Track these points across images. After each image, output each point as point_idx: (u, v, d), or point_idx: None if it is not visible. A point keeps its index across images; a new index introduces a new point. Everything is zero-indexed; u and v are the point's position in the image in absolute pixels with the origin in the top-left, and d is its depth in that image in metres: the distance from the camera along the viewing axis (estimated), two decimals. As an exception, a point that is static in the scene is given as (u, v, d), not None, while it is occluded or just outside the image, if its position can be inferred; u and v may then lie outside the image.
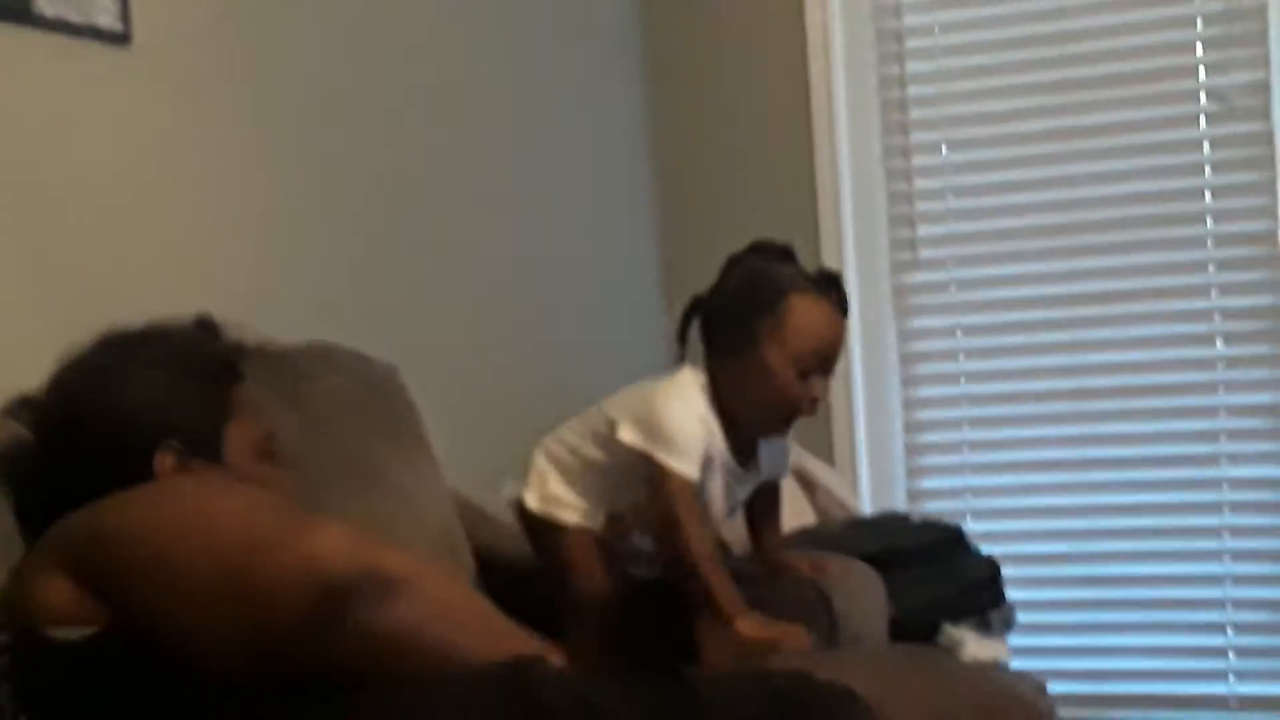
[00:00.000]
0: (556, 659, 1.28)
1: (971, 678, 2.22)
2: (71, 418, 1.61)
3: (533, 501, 2.15)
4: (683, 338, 2.15)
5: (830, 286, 2.08)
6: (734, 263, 2.15)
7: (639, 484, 2.04)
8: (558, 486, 2.14)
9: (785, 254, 2.12)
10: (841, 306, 2.08)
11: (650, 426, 2.03)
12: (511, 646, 1.29)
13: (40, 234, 2.04)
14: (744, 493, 2.18)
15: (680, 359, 2.13)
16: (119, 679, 1.35)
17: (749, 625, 1.96)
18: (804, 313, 2.03)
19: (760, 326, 2.03)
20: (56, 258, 2.07)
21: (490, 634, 1.30)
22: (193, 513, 1.37)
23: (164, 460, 1.59)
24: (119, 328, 1.67)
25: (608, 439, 2.08)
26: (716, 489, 2.08)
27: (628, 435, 2.03)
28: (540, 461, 2.18)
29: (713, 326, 2.11)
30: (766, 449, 2.17)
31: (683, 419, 2.03)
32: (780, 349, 2.02)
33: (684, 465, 2.00)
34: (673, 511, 1.99)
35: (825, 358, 2.05)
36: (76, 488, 1.47)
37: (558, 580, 2.11)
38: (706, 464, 2.04)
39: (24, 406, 1.71)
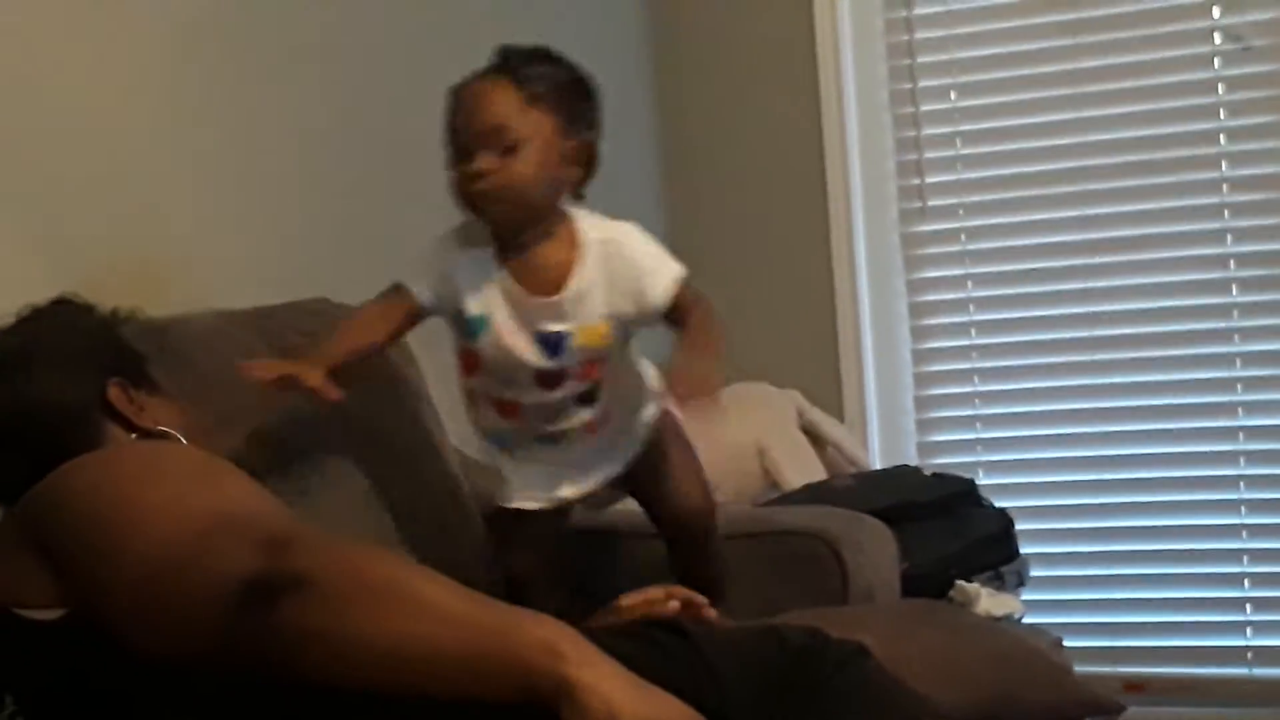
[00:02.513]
0: (550, 627, 1.21)
1: (985, 632, 2.20)
2: (4, 423, 1.59)
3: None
4: None
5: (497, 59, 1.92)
6: None
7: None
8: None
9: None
10: (500, 73, 1.90)
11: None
12: (488, 625, 1.22)
13: (23, 188, 2.01)
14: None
15: None
16: (90, 662, 1.32)
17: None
18: (450, 98, 1.92)
19: None
20: (41, 212, 2.03)
21: (455, 617, 1.20)
22: (125, 504, 1.33)
23: (116, 394, 1.59)
24: None
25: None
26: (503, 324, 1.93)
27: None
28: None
29: None
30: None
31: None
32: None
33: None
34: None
35: (463, 131, 1.88)
36: (30, 472, 1.44)
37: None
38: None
39: None
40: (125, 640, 1.28)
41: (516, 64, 1.88)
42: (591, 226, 1.95)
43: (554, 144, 1.87)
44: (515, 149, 1.84)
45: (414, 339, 2.36)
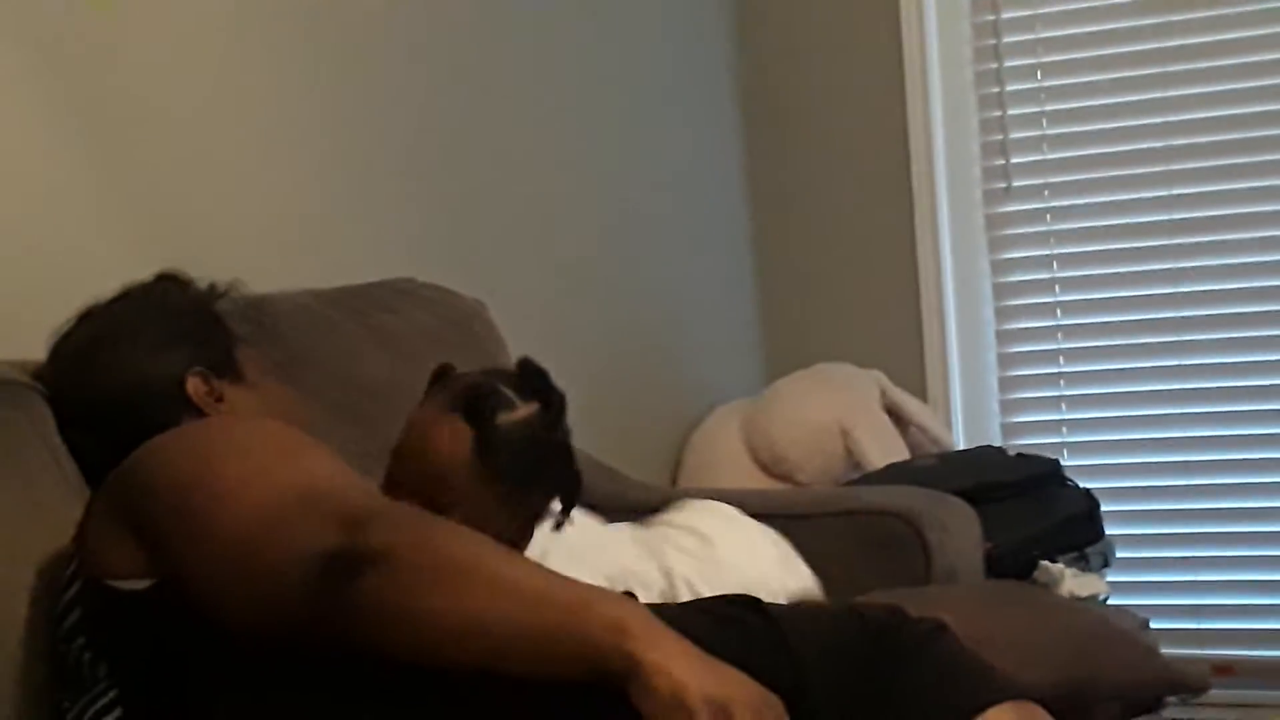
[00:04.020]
0: (621, 605, 1.22)
1: (1068, 612, 2.18)
2: (83, 392, 1.63)
3: None
4: None
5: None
6: None
7: None
8: None
9: None
10: None
11: None
12: (560, 602, 1.23)
13: (117, 161, 2.06)
14: None
15: None
16: (177, 632, 1.35)
17: None
18: None
19: None
20: (135, 188, 2.08)
21: (529, 595, 1.21)
22: (210, 479, 1.34)
23: (196, 385, 1.61)
24: (94, 302, 1.68)
25: None
26: None
27: None
28: None
29: None
30: None
31: None
32: None
33: None
34: None
35: None
36: (118, 449, 1.47)
37: None
38: None
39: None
40: (210, 612, 1.31)
41: (488, 420, 1.61)
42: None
43: (496, 514, 1.59)
44: (447, 510, 1.57)
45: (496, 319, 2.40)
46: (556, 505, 1.65)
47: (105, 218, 2.03)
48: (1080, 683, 1.83)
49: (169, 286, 1.71)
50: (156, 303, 1.68)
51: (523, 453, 1.59)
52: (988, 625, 1.69)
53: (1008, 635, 1.74)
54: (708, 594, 1.78)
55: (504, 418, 1.60)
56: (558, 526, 1.67)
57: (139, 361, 1.62)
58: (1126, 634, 2.06)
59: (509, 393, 1.63)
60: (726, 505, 2.21)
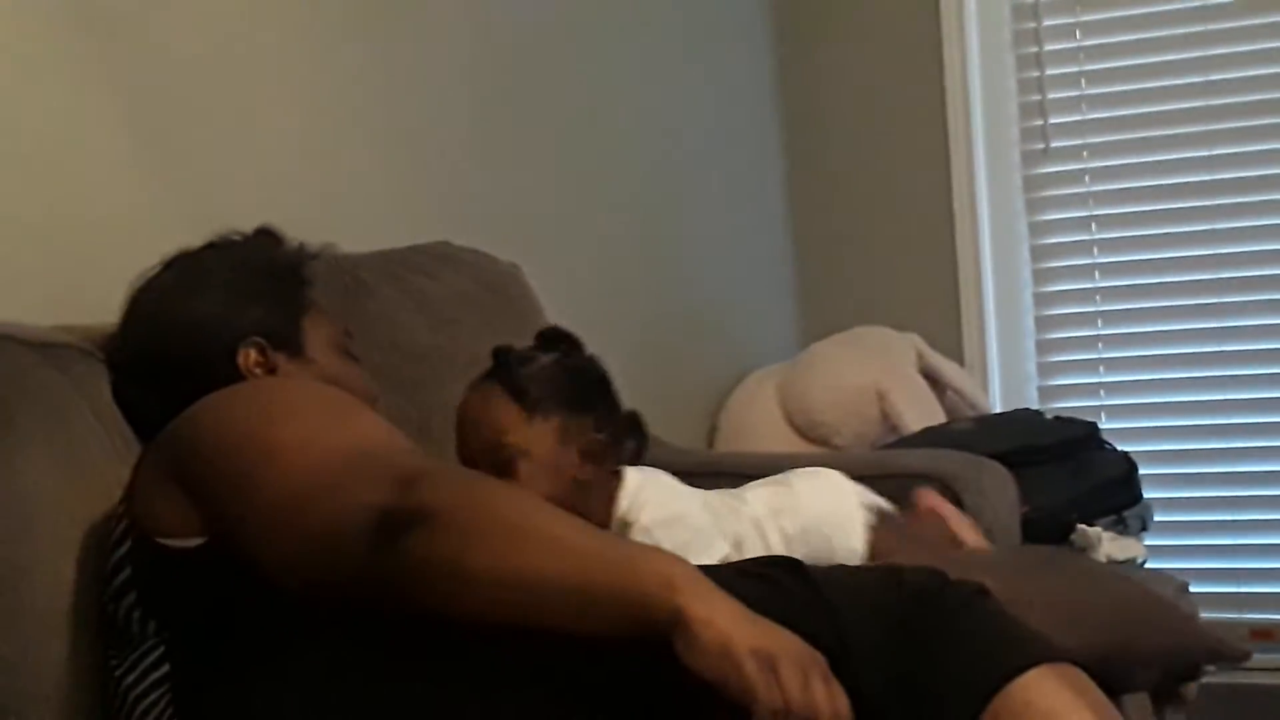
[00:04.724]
0: (667, 561, 1.23)
1: (1107, 578, 2.17)
2: (150, 340, 1.64)
3: None
4: None
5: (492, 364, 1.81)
6: None
7: None
8: None
9: None
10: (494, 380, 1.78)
11: None
12: (607, 558, 1.23)
13: (160, 131, 2.06)
14: None
15: None
16: (228, 590, 1.36)
17: None
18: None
19: None
20: (181, 165, 2.08)
21: (576, 552, 1.22)
22: (260, 440, 1.36)
23: (247, 356, 1.62)
24: (183, 249, 1.69)
25: None
26: None
27: None
28: None
29: None
30: None
31: None
32: None
33: None
34: None
35: (462, 449, 1.77)
36: (179, 400, 1.48)
37: None
38: None
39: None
40: (260, 570, 1.33)
41: (512, 368, 1.75)
42: (645, 510, 1.78)
43: (561, 451, 1.73)
44: (513, 465, 1.70)
45: (536, 290, 2.40)
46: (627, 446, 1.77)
47: (147, 182, 2.04)
48: (1119, 648, 1.82)
49: (260, 243, 1.72)
50: (238, 259, 1.69)
51: (552, 383, 1.72)
52: (1026, 589, 1.69)
53: (1046, 598, 1.73)
54: (790, 530, 1.83)
55: (527, 367, 1.73)
56: (636, 457, 1.78)
57: (203, 319, 1.63)
58: (1165, 600, 2.05)
59: (530, 351, 1.76)
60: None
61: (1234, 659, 2.00)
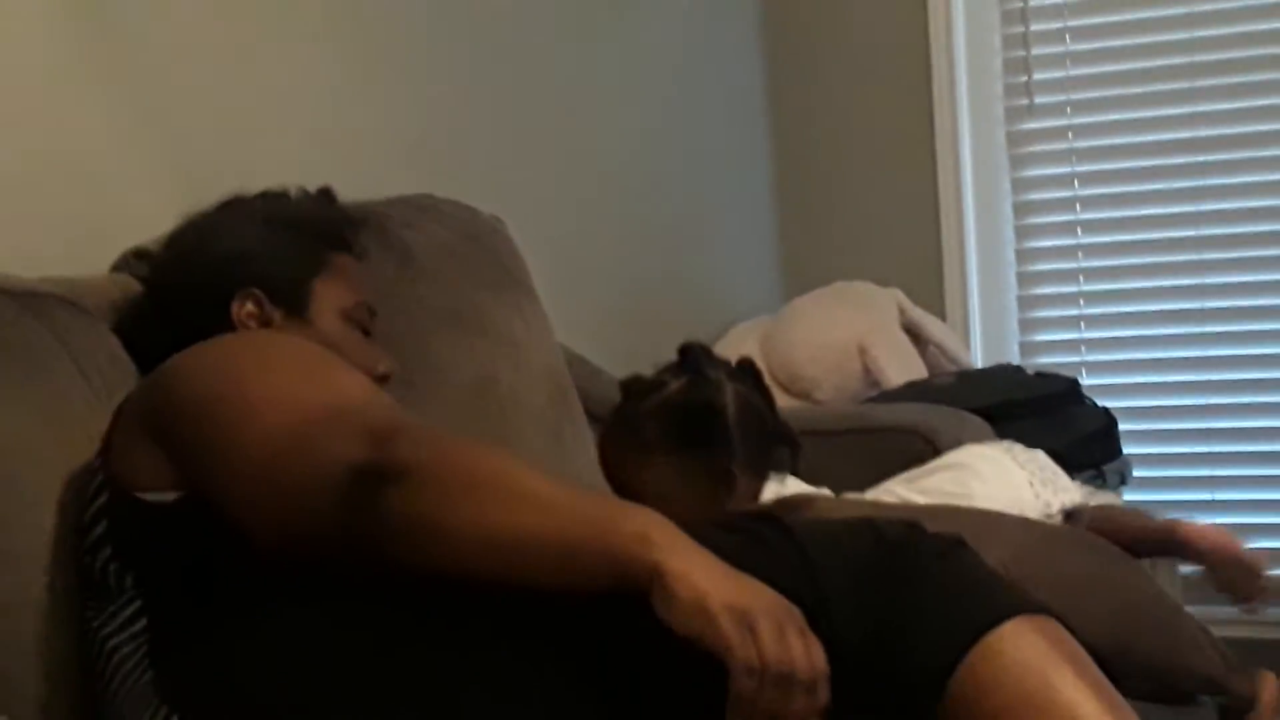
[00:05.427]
0: (644, 516, 1.23)
1: (1133, 574, 2.07)
2: (171, 264, 1.67)
3: None
4: None
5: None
6: None
7: None
8: None
9: None
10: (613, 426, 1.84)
11: None
12: (584, 514, 1.22)
13: (147, 95, 2.05)
14: None
15: None
16: (204, 545, 1.36)
17: None
18: None
19: None
20: (163, 117, 2.07)
21: (554, 508, 1.22)
22: (238, 394, 1.36)
23: (241, 306, 1.62)
24: (242, 192, 1.71)
25: None
26: None
27: None
28: None
29: None
30: None
31: None
32: None
33: None
34: None
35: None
36: (174, 335, 1.49)
37: None
38: None
39: (136, 257, 1.79)
40: (236, 525, 1.32)
41: (626, 413, 1.78)
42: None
43: (686, 482, 1.74)
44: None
45: (515, 237, 2.40)
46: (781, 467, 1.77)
47: (125, 133, 2.03)
48: (1114, 649, 1.70)
49: (309, 199, 1.73)
50: (276, 209, 1.70)
51: (669, 420, 1.73)
52: (1004, 541, 1.69)
53: (1023, 552, 1.73)
54: None
55: (648, 401, 1.75)
56: (790, 467, 1.79)
57: (217, 258, 1.65)
58: (1181, 617, 1.90)
59: (661, 377, 1.77)
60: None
61: (1235, 698, 1.84)
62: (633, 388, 1.79)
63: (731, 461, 1.73)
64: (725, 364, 1.80)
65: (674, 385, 1.76)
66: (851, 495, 1.99)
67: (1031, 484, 2.02)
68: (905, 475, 2.10)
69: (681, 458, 1.73)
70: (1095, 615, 1.63)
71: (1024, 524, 1.94)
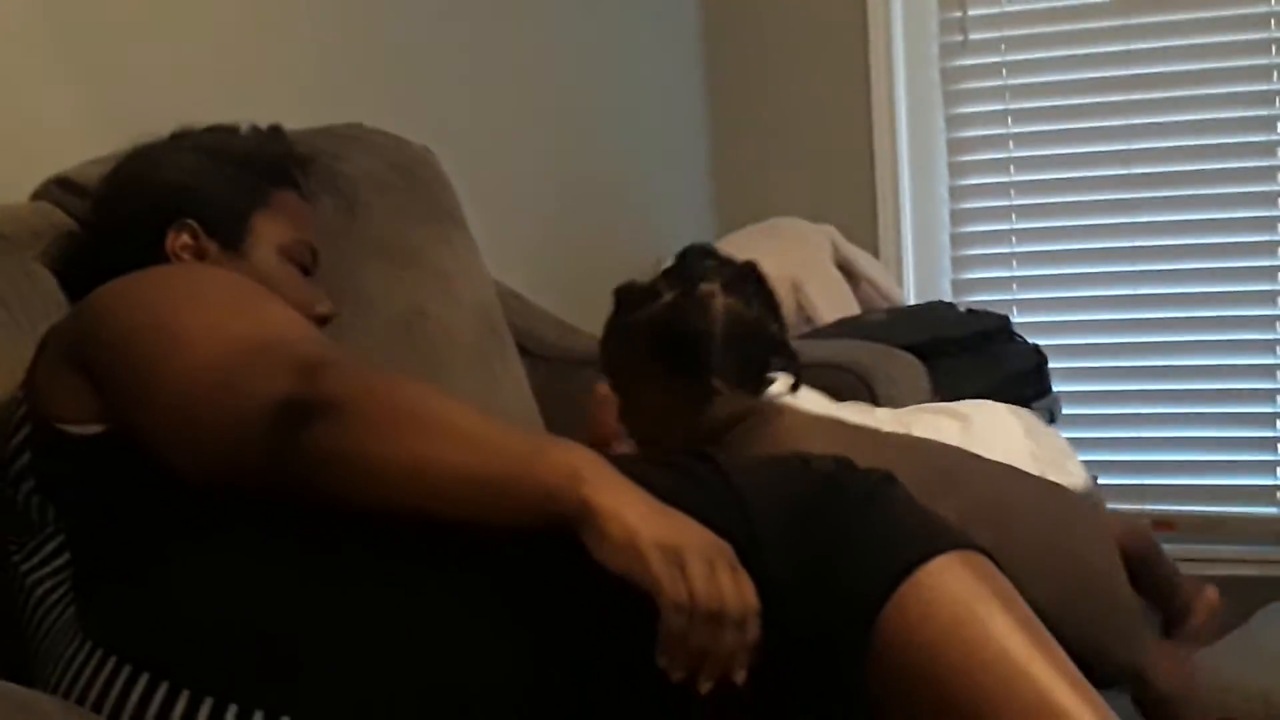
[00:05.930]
0: (573, 452, 1.22)
1: (1104, 558, 2.02)
2: (110, 195, 1.64)
3: None
4: None
5: None
6: None
7: None
8: None
9: None
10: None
11: None
12: (512, 450, 1.21)
13: (73, 23, 2.01)
14: None
15: None
16: (127, 479, 1.34)
17: None
18: None
19: None
20: (81, 45, 2.03)
21: (482, 442, 1.21)
22: (166, 327, 1.34)
23: (176, 237, 1.60)
24: (190, 125, 1.69)
25: None
26: None
27: None
28: None
29: None
30: None
31: None
32: None
33: None
34: None
35: None
36: (108, 266, 1.46)
37: None
38: None
39: (58, 185, 1.77)
40: (162, 459, 1.31)
41: (618, 324, 1.77)
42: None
43: (669, 400, 1.72)
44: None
45: (445, 167, 2.37)
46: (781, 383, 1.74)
47: (60, 72, 1.98)
48: (1058, 621, 1.63)
49: (258, 136, 1.71)
50: (222, 143, 1.68)
51: (655, 336, 1.70)
52: (934, 476, 1.67)
53: (951, 486, 1.71)
54: None
55: (638, 314, 1.72)
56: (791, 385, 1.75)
57: (156, 187, 1.62)
58: (1133, 609, 1.81)
59: (659, 285, 1.73)
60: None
61: (1151, 693, 1.72)
62: (625, 297, 1.76)
63: (714, 379, 1.71)
64: (726, 268, 1.75)
65: (664, 299, 1.72)
66: (853, 417, 1.96)
67: (1036, 458, 2.00)
68: (915, 406, 2.09)
69: (664, 379, 1.72)
70: (1052, 586, 1.58)
71: (912, 441, 1.91)
